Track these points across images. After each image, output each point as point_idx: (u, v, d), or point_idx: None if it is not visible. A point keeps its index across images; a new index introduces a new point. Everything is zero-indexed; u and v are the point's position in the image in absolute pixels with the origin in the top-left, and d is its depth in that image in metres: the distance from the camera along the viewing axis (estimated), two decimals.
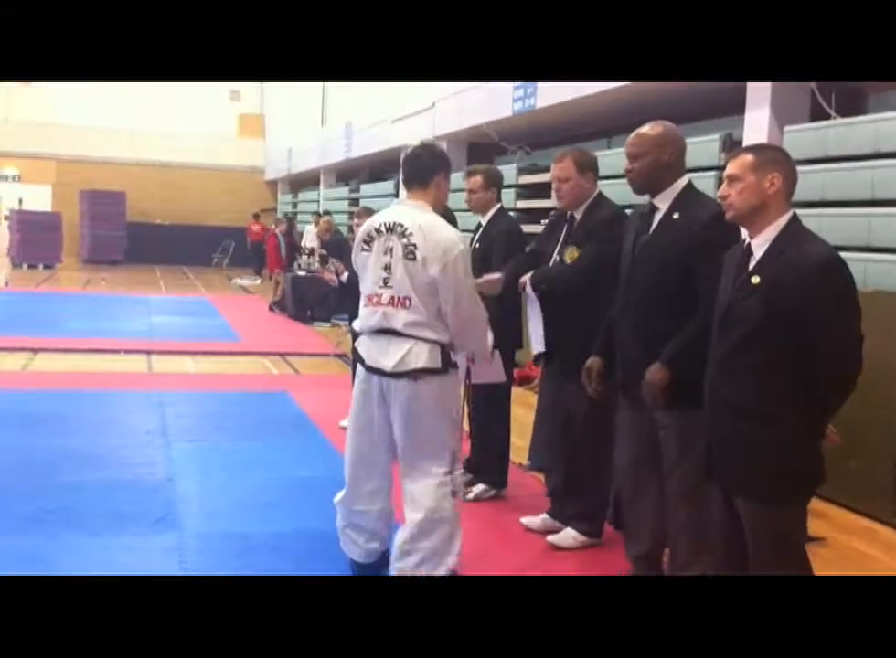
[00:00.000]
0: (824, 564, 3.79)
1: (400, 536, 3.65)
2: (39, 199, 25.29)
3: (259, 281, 20.10)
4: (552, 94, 8.99)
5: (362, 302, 3.72)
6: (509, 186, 10.75)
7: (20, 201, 24.82)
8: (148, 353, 9.63)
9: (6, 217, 23.63)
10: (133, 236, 24.38)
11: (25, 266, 21.23)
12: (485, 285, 4.27)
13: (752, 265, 2.73)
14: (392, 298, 3.57)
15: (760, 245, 2.73)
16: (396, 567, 3.64)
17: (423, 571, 3.57)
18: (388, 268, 3.59)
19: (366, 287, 3.70)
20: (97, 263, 23.33)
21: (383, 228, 3.62)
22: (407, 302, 3.55)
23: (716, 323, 2.83)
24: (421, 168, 3.73)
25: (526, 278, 4.26)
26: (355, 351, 3.82)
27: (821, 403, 2.68)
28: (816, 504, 3.22)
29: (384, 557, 3.80)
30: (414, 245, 3.53)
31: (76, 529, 4.23)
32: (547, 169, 10.06)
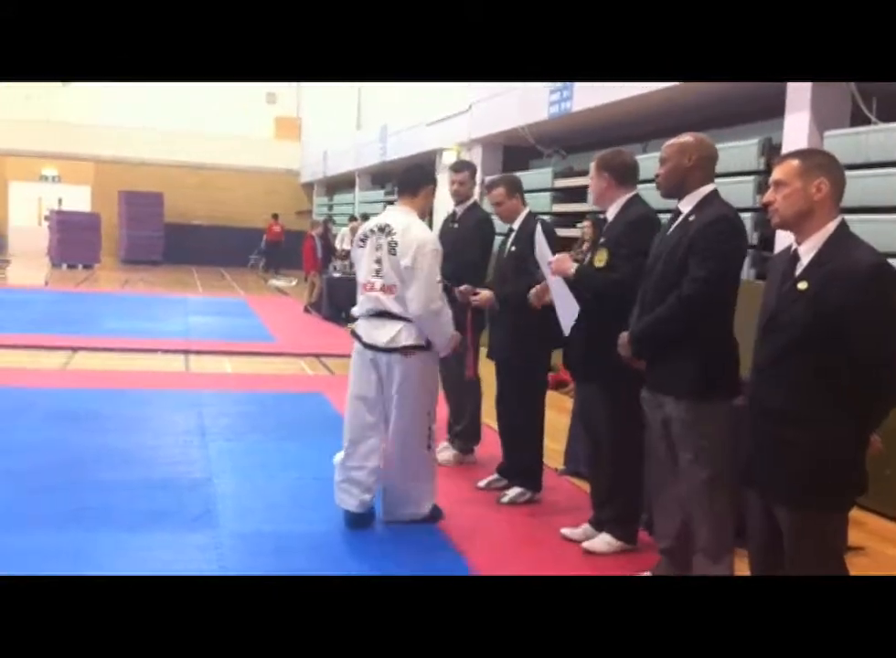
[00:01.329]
0: (861, 573, 3.75)
1: (387, 488, 4.46)
2: (79, 200, 25.64)
3: (294, 283, 20.22)
4: (588, 97, 8.97)
5: (358, 291, 4.47)
6: (545, 190, 10.76)
7: (60, 201, 25.16)
8: (186, 352, 9.74)
9: (46, 218, 23.96)
10: (170, 237, 24.66)
11: (64, 266, 21.53)
12: (556, 264, 4.17)
13: (798, 271, 2.71)
14: (384, 286, 4.33)
15: (807, 251, 2.71)
16: (386, 519, 4.47)
17: (408, 516, 4.44)
18: (378, 261, 4.35)
19: (361, 277, 4.46)
20: (135, 264, 23.62)
21: (376, 229, 4.42)
22: (393, 289, 4.31)
23: (758, 329, 2.82)
24: (413, 181, 4.56)
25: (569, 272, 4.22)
26: (353, 331, 4.51)
27: (865, 410, 2.65)
28: (854, 512, 3.19)
29: (372, 510, 4.49)
30: (396, 242, 4.31)
31: (115, 526, 4.28)
32: (583, 173, 10.09)
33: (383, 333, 4.32)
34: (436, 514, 4.59)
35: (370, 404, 4.41)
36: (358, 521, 4.44)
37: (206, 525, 4.39)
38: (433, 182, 4.62)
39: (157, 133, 25.56)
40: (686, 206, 3.56)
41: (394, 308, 4.31)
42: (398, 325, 4.30)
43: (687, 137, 3.60)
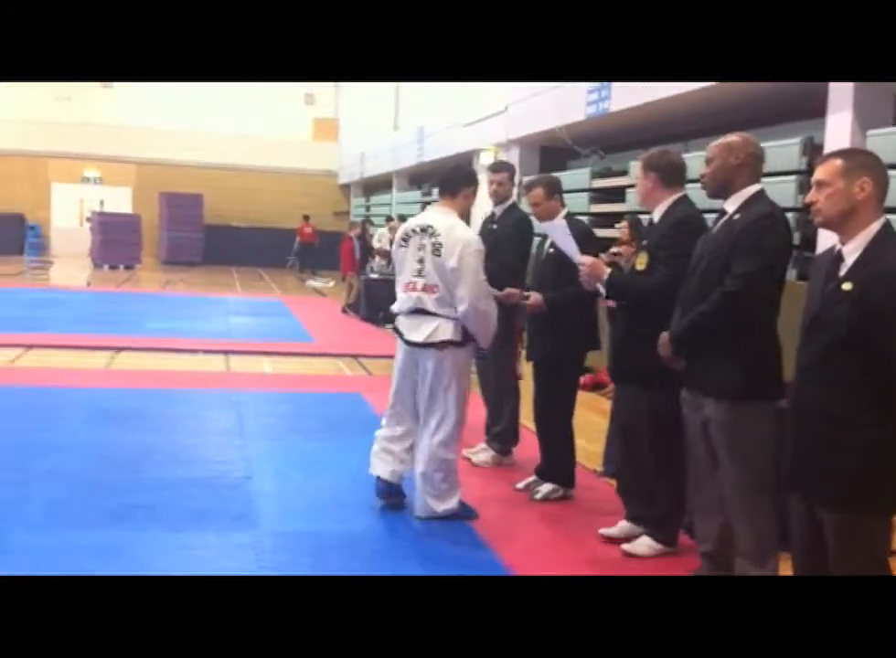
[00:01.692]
0: None
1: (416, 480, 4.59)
2: (120, 201, 25.96)
3: (331, 284, 20.33)
4: (626, 97, 8.93)
5: (399, 289, 4.63)
6: (583, 190, 10.73)
7: (101, 203, 25.49)
8: (226, 353, 9.84)
9: (88, 219, 24.29)
10: (209, 238, 24.91)
11: (106, 267, 21.83)
12: (588, 269, 4.18)
13: (843, 272, 2.69)
14: (425, 285, 4.48)
15: (851, 251, 2.69)
16: (416, 514, 4.60)
17: (439, 510, 4.54)
18: (421, 261, 4.49)
19: (403, 277, 4.60)
20: (175, 264, 23.88)
21: (417, 229, 4.54)
22: (435, 289, 4.46)
23: (802, 330, 2.80)
24: (453, 182, 4.68)
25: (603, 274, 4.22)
26: (395, 328, 4.69)
27: None
28: None
29: (402, 489, 4.71)
30: (441, 244, 4.43)
31: (159, 525, 4.34)
32: (621, 173, 10.05)
33: (421, 330, 4.48)
34: (468, 513, 4.65)
35: (410, 393, 4.62)
36: (388, 491, 4.68)
37: (247, 524, 4.44)
38: (474, 183, 4.73)
39: (197, 135, 25.82)
40: (731, 205, 3.53)
41: (433, 307, 4.47)
42: (435, 322, 4.46)
43: (733, 136, 3.56)
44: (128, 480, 5.02)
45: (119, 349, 9.66)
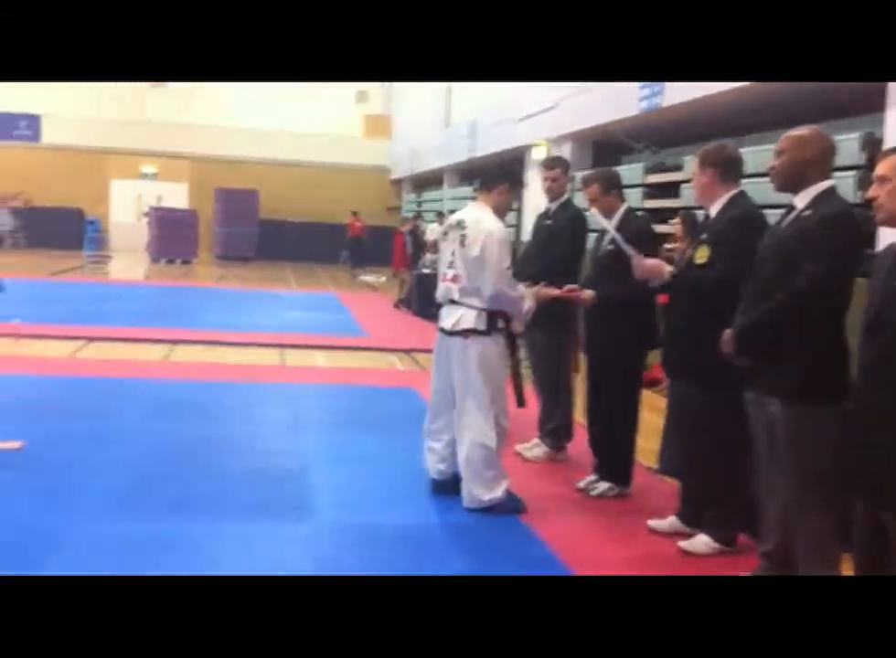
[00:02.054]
0: None
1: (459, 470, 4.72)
2: (176, 197, 26.36)
3: (384, 279, 20.45)
4: (680, 92, 8.85)
5: (439, 280, 4.88)
6: (636, 186, 10.66)
7: (159, 198, 25.90)
8: (281, 347, 9.95)
9: (146, 214, 24.71)
10: (263, 233, 25.19)
11: (163, 261, 22.19)
12: (650, 271, 4.20)
13: None
14: (454, 276, 4.72)
15: None
16: (464, 504, 4.66)
17: (485, 499, 4.61)
18: (453, 253, 4.73)
19: (441, 268, 4.91)
20: (230, 259, 24.19)
21: (454, 224, 4.81)
22: (460, 279, 4.68)
23: (863, 329, 2.77)
24: (489, 178, 4.92)
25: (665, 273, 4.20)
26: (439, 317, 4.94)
27: None
28: None
29: (455, 479, 4.78)
30: (466, 235, 4.67)
31: (217, 514, 4.43)
32: (675, 168, 9.97)
33: (450, 319, 4.72)
34: (516, 504, 4.69)
35: (445, 381, 4.80)
36: (438, 487, 4.89)
37: (303, 515, 4.51)
38: (510, 180, 4.95)
39: (251, 132, 26.11)
40: (801, 201, 3.44)
41: (459, 297, 4.69)
42: (460, 311, 4.67)
43: (805, 130, 3.48)
44: (187, 470, 5.12)
45: (176, 342, 9.83)
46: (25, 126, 25.34)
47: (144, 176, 26.98)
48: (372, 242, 23.63)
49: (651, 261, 4.23)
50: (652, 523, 4.48)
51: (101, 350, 9.21)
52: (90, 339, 9.65)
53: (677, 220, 8.22)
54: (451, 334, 4.71)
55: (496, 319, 4.66)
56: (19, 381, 7.23)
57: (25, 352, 8.72)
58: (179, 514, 4.40)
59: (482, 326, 4.63)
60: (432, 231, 15.94)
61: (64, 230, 24.49)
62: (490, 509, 4.62)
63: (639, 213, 6.45)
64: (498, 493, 4.65)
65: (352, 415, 6.85)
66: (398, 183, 27.50)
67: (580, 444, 5.60)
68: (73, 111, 25.13)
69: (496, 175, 4.95)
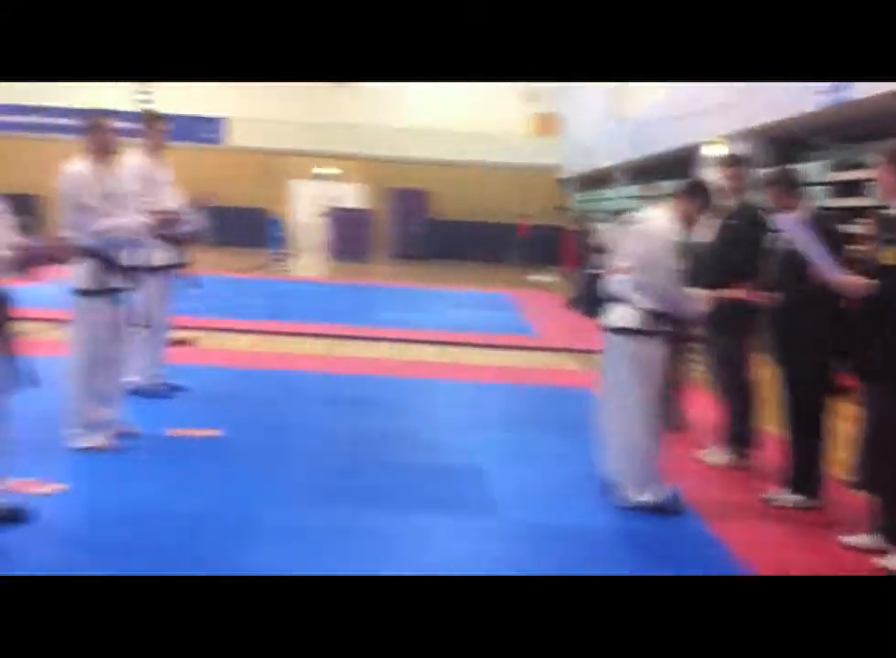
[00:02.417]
0: None
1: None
2: (353, 197, 27.23)
3: (554, 279, 20.44)
4: (866, 85, 8.49)
5: (608, 276, 4.96)
6: (817, 184, 10.31)
7: (336, 199, 26.80)
8: (455, 345, 10.12)
9: (324, 214, 25.65)
10: (434, 232, 25.71)
11: (340, 259, 23.00)
12: (851, 289, 4.17)
13: None
14: (622, 271, 4.75)
15: None
16: (623, 504, 4.68)
17: (638, 500, 4.62)
18: (622, 250, 4.85)
19: (610, 264, 5.06)
20: (403, 258, 24.80)
21: (628, 221, 5.06)
22: (624, 275, 4.71)
23: None
24: (679, 186, 4.91)
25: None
26: None
27: None
28: None
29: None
30: (636, 233, 4.77)
31: (399, 508, 4.58)
32: (860, 165, 9.58)
33: (613, 316, 4.77)
34: (676, 506, 4.71)
35: (607, 376, 4.85)
36: (608, 487, 4.87)
37: (484, 512, 4.61)
38: (689, 197, 4.77)
39: (423, 132, 26.60)
40: None
41: (624, 292, 4.71)
42: (621, 309, 4.72)
43: None
44: (368, 463, 5.30)
45: (352, 338, 10.13)
46: (209, 129, 26.73)
47: (322, 177, 27.96)
48: (540, 241, 23.68)
49: (851, 278, 4.13)
50: (846, 539, 4.31)
51: (281, 344, 9.57)
52: (272, 333, 10.10)
53: (867, 220, 7.92)
54: (612, 331, 4.76)
55: (660, 320, 4.63)
56: (209, 373, 7.61)
57: (228, 346, 9.19)
58: (363, 507, 4.54)
59: (644, 326, 4.62)
60: (601, 231, 15.85)
61: (244, 229, 25.66)
62: (645, 509, 4.63)
63: (823, 212, 6.26)
64: (656, 494, 4.65)
65: (529, 413, 6.93)
66: (566, 181, 27.41)
67: (769, 452, 5.49)
68: (255, 112, 26.32)
69: (682, 187, 4.88)
